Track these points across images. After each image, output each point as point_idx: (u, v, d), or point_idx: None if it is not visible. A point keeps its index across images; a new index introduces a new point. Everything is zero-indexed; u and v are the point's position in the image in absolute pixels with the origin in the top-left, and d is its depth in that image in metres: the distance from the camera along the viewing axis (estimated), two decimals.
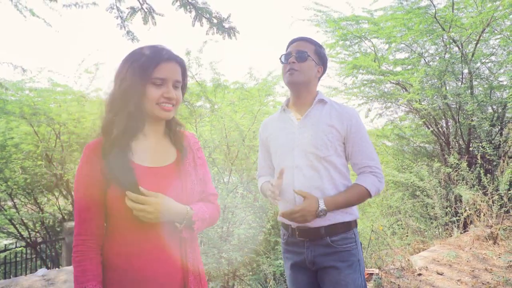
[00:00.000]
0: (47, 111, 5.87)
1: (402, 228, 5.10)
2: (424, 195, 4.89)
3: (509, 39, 5.49)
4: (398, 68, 6.43)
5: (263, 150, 1.71)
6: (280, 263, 3.49)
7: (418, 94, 5.49)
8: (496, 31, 5.61)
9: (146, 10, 2.54)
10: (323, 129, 1.48)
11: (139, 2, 2.51)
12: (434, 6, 5.27)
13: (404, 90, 6.27)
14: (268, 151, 1.66)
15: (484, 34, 5.42)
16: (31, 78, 6.04)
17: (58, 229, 6.85)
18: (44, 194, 6.86)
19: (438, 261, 3.56)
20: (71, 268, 3.53)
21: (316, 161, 1.46)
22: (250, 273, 4.24)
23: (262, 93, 5.13)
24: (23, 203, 6.89)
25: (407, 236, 4.76)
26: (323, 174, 1.46)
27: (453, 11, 5.27)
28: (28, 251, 6.33)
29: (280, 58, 1.59)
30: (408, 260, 3.51)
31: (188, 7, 2.39)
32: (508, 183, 3.99)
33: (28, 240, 6.46)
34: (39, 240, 6.65)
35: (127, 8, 2.56)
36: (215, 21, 2.45)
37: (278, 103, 6.50)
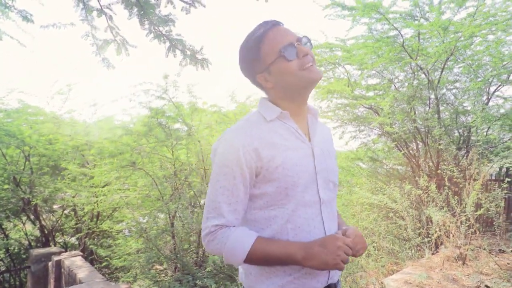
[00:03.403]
0: (17, 132, 5.70)
1: (377, 250, 5.17)
2: (397, 217, 5.01)
3: (471, 67, 5.86)
4: (370, 93, 6.69)
5: (246, 181, 1.04)
6: None
7: (389, 118, 5.71)
8: (459, 60, 5.98)
9: (119, 42, 2.57)
10: (331, 149, 1.23)
11: (112, 34, 2.54)
12: (402, 36, 5.58)
13: (376, 114, 6.51)
14: (267, 181, 1.04)
15: (448, 62, 5.76)
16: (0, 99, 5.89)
17: (24, 257, 6.51)
18: (10, 219, 6.55)
19: (410, 283, 3.63)
20: None
21: (334, 191, 1.17)
22: None
23: (240, 117, 5.19)
24: None
25: (381, 258, 4.83)
26: (335, 210, 1.20)
27: (419, 41, 5.59)
28: None
29: (283, 54, 1.05)
30: (382, 283, 3.56)
31: (162, 38, 2.44)
32: (473, 205, 4.16)
33: None
34: (3, 268, 6.28)
35: (99, 40, 2.59)
36: (188, 52, 2.50)
37: None
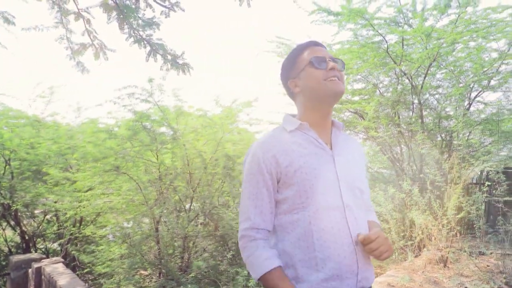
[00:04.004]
0: None
1: None
2: (381, 220, 5.06)
3: (453, 73, 5.99)
4: (356, 98, 6.77)
5: (269, 187, 1.13)
6: None
7: (373, 122, 5.79)
8: (442, 66, 6.11)
9: (97, 46, 2.53)
10: (357, 160, 1.26)
11: (90, 38, 2.51)
12: (386, 42, 5.67)
13: (361, 118, 6.58)
14: (287, 186, 1.12)
15: (431, 68, 5.88)
16: None
17: (4, 263, 6.34)
18: None
19: (393, 285, 3.67)
20: None
21: (360, 198, 1.20)
22: None
23: (226, 121, 5.18)
24: None
25: None
26: (365, 213, 1.22)
27: (403, 47, 5.68)
28: None
29: (312, 62, 1.17)
30: None
31: (142, 43, 2.42)
32: (455, 208, 4.24)
33: None
34: None
35: (76, 44, 2.55)
36: (169, 57, 2.49)
37: (242, 130, 6.58)
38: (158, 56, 2.46)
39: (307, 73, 1.18)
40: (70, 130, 6.49)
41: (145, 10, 2.42)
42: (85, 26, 2.45)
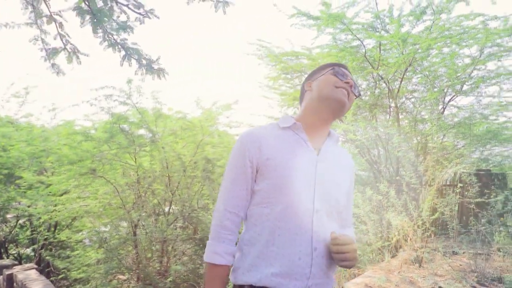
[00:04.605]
0: None
1: None
2: (359, 222, 5.15)
3: (428, 78, 6.18)
4: None
5: (248, 174, 1.16)
6: None
7: (352, 125, 5.89)
8: (417, 70, 6.29)
9: (70, 50, 2.48)
10: (342, 173, 1.25)
11: (63, 42, 2.45)
12: (364, 46, 5.80)
13: (340, 121, 6.68)
14: (263, 178, 1.14)
15: (407, 73, 6.05)
16: None
17: None
18: None
19: (370, 286, 3.73)
20: None
21: (334, 208, 1.18)
22: None
23: (206, 123, 5.15)
24: None
25: None
26: (337, 225, 1.20)
27: (380, 52, 5.82)
28: None
29: (334, 70, 1.24)
30: (342, 287, 3.64)
31: (117, 47, 2.38)
32: (429, 209, 4.37)
33: None
34: None
35: (49, 48, 2.49)
36: (144, 62, 2.46)
37: (222, 132, 6.56)
38: (133, 61, 2.43)
39: (324, 77, 1.23)
40: (44, 132, 6.29)
41: (119, 16, 2.38)
42: (58, 30, 2.39)
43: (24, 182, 5.46)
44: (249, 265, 1.12)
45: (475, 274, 3.92)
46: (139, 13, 2.37)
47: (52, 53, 2.44)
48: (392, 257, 4.73)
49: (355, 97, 1.27)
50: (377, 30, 5.95)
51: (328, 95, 1.20)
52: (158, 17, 2.42)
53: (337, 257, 1.08)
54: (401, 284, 3.78)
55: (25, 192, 5.47)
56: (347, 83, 1.21)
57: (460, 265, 4.31)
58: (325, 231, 1.13)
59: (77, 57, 2.50)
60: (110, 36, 2.32)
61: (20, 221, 6.29)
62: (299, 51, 6.49)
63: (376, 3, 5.65)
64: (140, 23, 2.40)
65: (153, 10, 2.43)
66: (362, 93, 6.72)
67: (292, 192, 1.11)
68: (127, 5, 2.30)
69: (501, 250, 4.26)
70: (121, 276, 4.89)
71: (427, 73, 6.19)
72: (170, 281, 3.69)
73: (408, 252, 4.41)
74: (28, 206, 5.52)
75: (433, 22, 5.47)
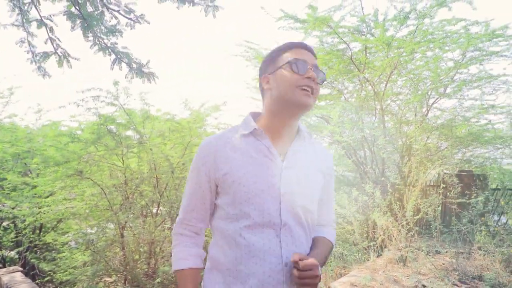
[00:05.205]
0: None
1: None
2: (345, 222, 5.24)
3: (413, 81, 6.32)
4: (322, 103, 6.97)
5: (205, 190, 1.11)
6: None
7: (338, 127, 5.98)
8: (402, 73, 6.43)
9: (60, 54, 2.48)
10: (313, 174, 1.16)
11: (53, 46, 2.45)
12: (350, 49, 5.89)
13: (327, 123, 6.78)
14: (224, 193, 1.08)
15: (393, 76, 6.17)
16: None
17: None
18: None
19: (356, 285, 3.81)
20: None
21: (303, 217, 1.10)
22: None
23: (194, 125, 5.16)
24: None
25: (331, 262, 5.01)
26: (307, 233, 1.13)
27: (366, 55, 5.93)
28: None
29: (291, 63, 1.08)
30: (329, 287, 3.70)
31: (107, 51, 2.39)
32: (413, 210, 4.48)
33: None
34: None
35: (39, 53, 2.48)
36: (134, 66, 2.48)
37: (210, 134, 6.57)
38: (124, 65, 2.44)
39: (282, 74, 1.08)
40: (29, 133, 6.20)
41: (109, 21, 2.39)
42: (48, 34, 2.38)
43: (8, 183, 5.37)
44: (222, 282, 1.07)
45: (457, 273, 4.03)
46: (130, 19, 2.38)
47: (42, 57, 2.43)
48: (378, 256, 4.82)
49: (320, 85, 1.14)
50: (363, 33, 6.06)
51: (288, 98, 1.07)
52: (149, 23, 2.44)
53: (296, 281, 1.00)
54: (386, 283, 3.87)
55: (9, 193, 5.38)
56: (309, 78, 1.07)
57: (443, 263, 4.43)
58: (296, 243, 1.07)
59: (68, 61, 2.50)
60: (101, 40, 2.32)
61: (4, 224, 6.18)
62: None
63: (362, 8, 5.76)
64: (131, 28, 2.41)
65: (144, 15, 2.44)
66: (348, 95, 6.84)
67: (255, 208, 1.03)
68: (118, 11, 2.30)
69: (481, 249, 4.39)
70: (108, 278, 4.86)
71: (411, 76, 6.33)
72: (158, 282, 3.70)
73: (392, 251, 4.52)
74: (13, 208, 5.43)
75: (417, 26, 5.60)
